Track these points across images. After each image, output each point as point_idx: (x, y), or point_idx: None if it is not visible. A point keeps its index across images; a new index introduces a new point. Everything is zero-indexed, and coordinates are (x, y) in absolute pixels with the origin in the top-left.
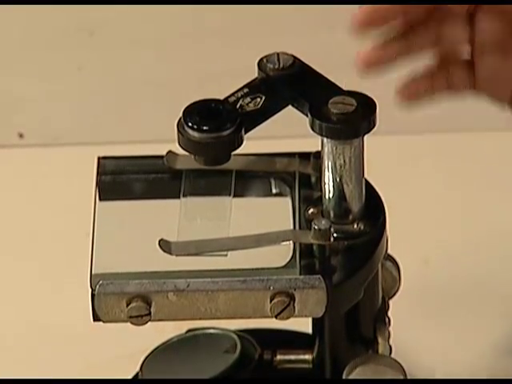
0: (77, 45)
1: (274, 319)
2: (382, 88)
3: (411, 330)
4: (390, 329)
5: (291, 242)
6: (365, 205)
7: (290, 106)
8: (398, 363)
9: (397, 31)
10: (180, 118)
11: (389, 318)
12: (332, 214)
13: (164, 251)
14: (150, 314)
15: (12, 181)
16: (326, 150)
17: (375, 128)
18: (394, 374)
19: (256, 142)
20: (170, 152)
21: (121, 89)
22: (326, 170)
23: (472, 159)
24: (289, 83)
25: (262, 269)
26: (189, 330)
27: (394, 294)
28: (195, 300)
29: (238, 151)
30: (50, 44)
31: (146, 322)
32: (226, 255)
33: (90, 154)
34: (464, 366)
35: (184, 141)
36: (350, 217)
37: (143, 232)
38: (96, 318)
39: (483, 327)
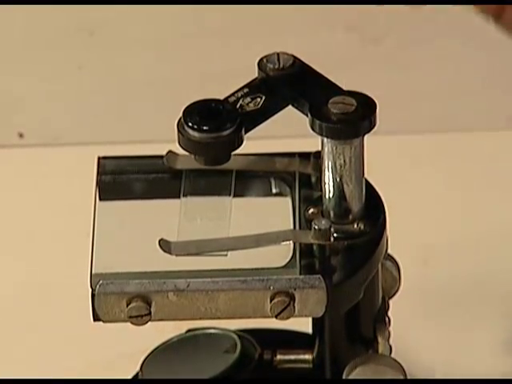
0: (77, 44)
1: (274, 319)
2: (382, 88)
3: (411, 330)
4: (390, 329)
5: (291, 241)
6: (365, 205)
7: (290, 106)
8: (398, 363)
9: None
10: (180, 118)
11: (389, 318)
12: (332, 214)
13: (164, 251)
14: (150, 313)
15: (12, 181)
16: (326, 149)
17: (375, 128)
18: (394, 373)
19: (256, 142)
20: (170, 152)
21: (121, 88)
22: (326, 169)
23: (472, 159)
24: (289, 83)
25: (262, 269)
26: (189, 330)
27: (394, 294)
28: (195, 300)
29: (238, 151)
30: (50, 44)
31: (146, 322)
32: (226, 255)
33: (90, 153)
34: (464, 365)
35: (184, 141)
36: (350, 217)
37: (143, 232)
38: (96, 318)
39: (483, 327)
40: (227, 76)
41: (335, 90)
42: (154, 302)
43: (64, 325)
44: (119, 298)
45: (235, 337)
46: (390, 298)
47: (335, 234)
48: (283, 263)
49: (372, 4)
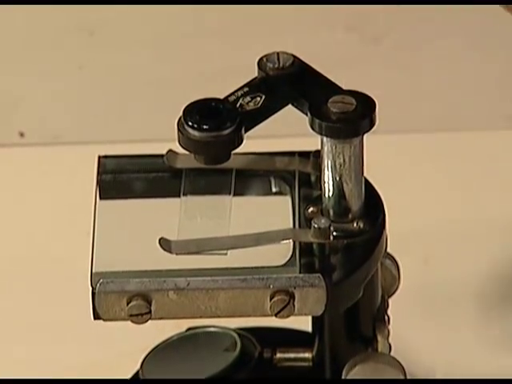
0: (77, 44)
1: (273, 317)
2: (382, 87)
3: (410, 329)
4: (390, 327)
5: (291, 240)
6: (364, 203)
7: (289, 105)
8: (398, 361)
9: None
10: (180, 117)
11: (388, 317)
12: (332, 213)
13: (164, 250)
14: (150, 312)
15: (13, 180)
16: (325, 148)
17: (375, 127)
18: (394, 372)
19: (256, 141)
20: (170, 151)
21: (121, 88)
22: (326, 168)
23: (471, 158)
24: (289, 82)
25: (262, 267)
26: (189, 329)
27: (394, 293)
28: (195, 298)
29: (237, 150)
30: (51, 44)
31: (147, 321)
32: (226, 254)
33: (91, 152)
34: (463, 364)
35: (184, 140)
36: (350, 215)
37: (143, 230)
38: (96, 317)
39: (482, 326)
40: (227, 75)
41: (335, 89)
42: (154, 301)
43: (65, 323)
44: (119, 296)
45: (235, 335)
46: (390, 296)
47: (335, 233)
48: (283, 262)
49: (372, 4)
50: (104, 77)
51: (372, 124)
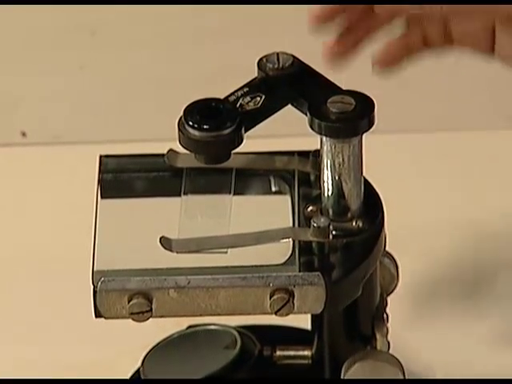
0: (79, 44)
1: (273, 316)
2: (381, 87)
3: (409, 327)
4: (388, 325)
5: (291, 239)
6: (363, 203)
7: (289, 105)
8: (396, 359)
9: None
10: (181, 117)
11: (387, 315)
12: (331, 212)
13: (165, 248)
14: (151, 310)
15: (15, 179)
16: (324, 148)
17: (374, 126)
18: (392, 369)
19: (256, 141)
20: (170, 150)
21: (122, 88)
22: (325, 168)
23: (471, 158)
24: (288, 83)
25: (262, 266)
26: (189, 326)
27: (392, 291)
28: (196, 297)
29: (238, 150)
30: (53, 44)
31: (148, 319)
32: (226, 252)
33: (92, 152)
34: (461, 362)
35: (185, 139)
36: (349, 214)
37: (144, 229)
38: (98, 315)
39: (480, 324)
40: (227, 76)
41: (334, 89)
42: (155, 299)
43: (67, 322)
44: (121, 294)
45: (235, 333)
46: (388, 294)
47: (334, 232)
48: (283, 260)
49: (371, 4)
50: (105, 77)
51: (371, 124)
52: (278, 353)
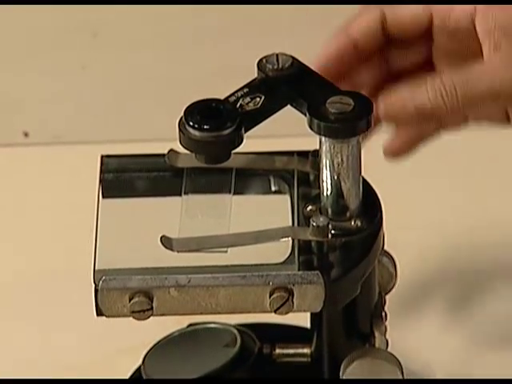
0: (80, 45)
1: (273, 314)
2: None
3: (407, 325)
4: (387, 323)
5: (290, 238)
6: (362, 202)
7: (288, 106)
8: (394, 357)
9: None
10: (181, 118)
11: (385, 313)
12: (330, 211)
13: (166, 247)
14: (151, 308)
15: (18, 178)
16: (324, 148)
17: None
18: (391, 367)
19: (256, 141)
20: (171, 150)
21: (123, 88)
22: (324, 168)
23: (469, 156)
24: (288, 83)
25: (262, 265)
26: (190, 325)
27: (391, 290)
28: (196, 295)
29: (237, 150)
30: (55, 44)
31: (148, 317)
32: (227, 251)
33: (94, 152)
34: (459, 359)
35: (185, 139)
36: (348, 214)
37: (145, 229)
38: (99, 313)
39: (479, 323)
40: (227, 76)
41: (333, 90)
42: (155, 298)
43: (69, 320)
44: (122, 293)
45: (235, 331)
46: (387, 293)
47: (333, 231)
48: (282, 259)
49: (370, 4)
50: (107, 77)
51: (369, 124)
52: (278, 351)
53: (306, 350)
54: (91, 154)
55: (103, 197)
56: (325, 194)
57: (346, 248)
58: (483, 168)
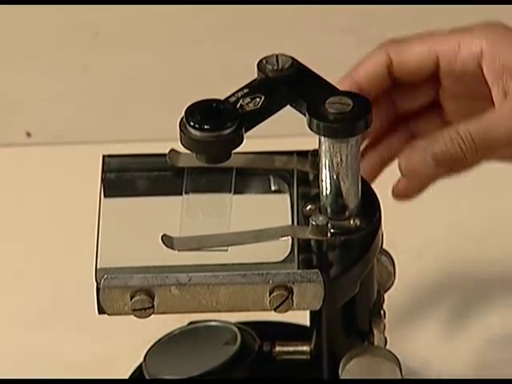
0: (82, 46)
1: (272, 312)
2: None
3: (406, 323)
4: (385, 321)
5: (290, 237)
6: (361, 201)
7: (288, 106)
8: (393, 354)
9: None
10: (182, 118)
11: (384, 311)
12: (329, 211)
13: (167, 246)
14: (153, 307)
15: (21, 178)
16: (323, 148)
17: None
18: (389, 364)
19: (256, 141)
20: (172, 150)
21: (125, 89)
22: (324, 167)
23: None
24: (287, 84)
25: (262, 263)
26: (191, 323)
27: (389, 288)
28: (197, 293)
29: (238, 149)
30: (57, 45)
31: (150, 315)
32: (227, 250)
33: (96, 152)
34: (457, 356)
35: (186, 139)
36: (347, 213)
37: (146, 228)
38: (101, 311)
39: (475, 320)
40: (228, 77)
41: (332, 90)
42: (156, 296)
43: (70, 318)
44: (123, 291)
45: (235, 329)
46: (385, 291)
47: (332, 230)
48: (282, 258)
49: (369, 4)
50: (108, 78)
51: (368, 124)
52: (278, 348)
53: (306, 348)
54: (93, 154)
55: (105, 196)
56: (324, 193)
57: (345, 247)
58: (483, 167)
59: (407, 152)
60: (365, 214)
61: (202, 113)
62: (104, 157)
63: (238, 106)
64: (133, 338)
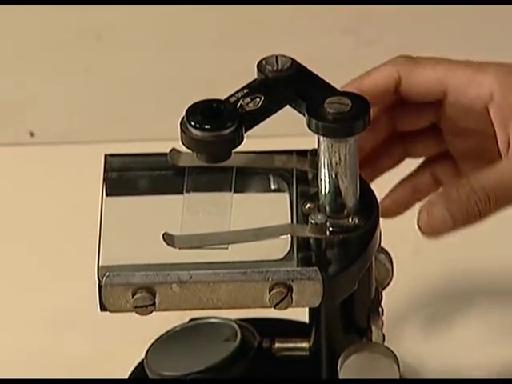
0: (84, 48)
1: (272, 309)
2: None
3: (403, 320)
4: (383, 318)
5: (289, 235)
6: (359, 200)
7: (287, 106)
8: (391, 351)
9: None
10: (183, 118)
11: (382, 308)
12: (328, 209)
13: (168, 244)
14: (154, 304)
15: (24, 177)
16: (322, 147)
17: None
18: (387, 360)
19: (255, 140)
20: (173, 150)
21: (126, 89)
22: (322, 167)
23: None
24: (287, 84)
25: (262, 261)
26: (191, 320)
27: (387, 285)
28: (197, 291)
29: (238, 149)
30: (59, 46)
31: (151, 312)
32: (227, 248)
33: (98, 151)
34: (454, 354)
35: (187, 139)
36: (345, 211)
37: (148, 226)
38: (103, 308)
39: (474, 316)
40: (228, 77)
41: (331, 90)
42: (158, 293)
43: (73, 316)
44: (125, 289)
45: (235, 326)
46: (383, 288)
47: (331, 228)
48: (281, 256)
49: (368, 4)
50: (110, 79)
51: (366, 124)
52: (277, 345)
53: (305, 344)
54: (95, 153)
55: (107, 195)
56: (323, 192)
57: (344, 245)
58: None
59: (425, 212)
60: (363, 213)
61: (203, 113)
62: (106, 156)
63: (238, 106)
64: (134, 335)
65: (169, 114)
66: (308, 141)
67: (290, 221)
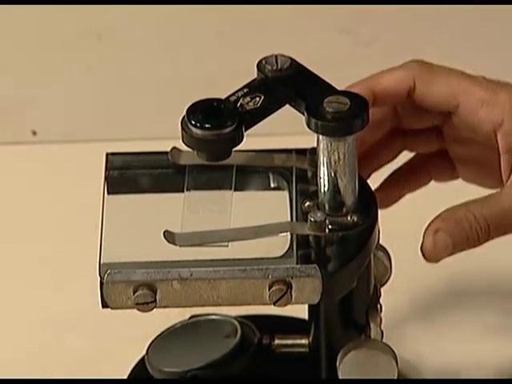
0: (86, 48)
1: (272, 306)
2: None
3: (402, 317)
4: (382, 315)
5: (288, 233)
6: (358, 198)
7: (287, 105)
8: (389, 347)
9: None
10: (183, 116)
11: (380, 305)
12: (327, 207)
13: (168, 242)
14: (155, 301)
15: (26, 175)
16: (321, 146)
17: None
18: (386, 357)
19: (255, 139)
20: (174, 148)
21: (127, 89)
22: (322, 165)
23: None
24: (286, 83)
25: (261, 258)
26: (192, 316)
27: (386, 282)
28: (198, 288)
29: (238, 147)
30: (61, 47)
31: (152, 309)
32: (227, 246)
33: (99, 150)
34: (452, 351)
35: (187, 138)
36: (344, 209)
37: (149, 224)
38: (104, 305)
39: (473, 315)
40: (228, 77)
41: (330, 90)
42: (159, 290)
43: (75, 313)
44: (126, 286)
45: (236, 323)
46: (382, 286)
47: (330, 226)
48: (281, 253)
49: (367, 4)
50: (111, 78)
51: (365, 123)
52: (277, 341)
53: (304, 341)
54: (96, 152)
55: (108, 193)
56: (322, 190)
57: (343, 242)
58: None
59: (431, 238)
60: (362, 211)
61: (203, 112)
62: (107, 155)
63: (238, 105)
64: (135, 332)
65: (169, 113)
66: (307, 139)
67: (289, 218)
